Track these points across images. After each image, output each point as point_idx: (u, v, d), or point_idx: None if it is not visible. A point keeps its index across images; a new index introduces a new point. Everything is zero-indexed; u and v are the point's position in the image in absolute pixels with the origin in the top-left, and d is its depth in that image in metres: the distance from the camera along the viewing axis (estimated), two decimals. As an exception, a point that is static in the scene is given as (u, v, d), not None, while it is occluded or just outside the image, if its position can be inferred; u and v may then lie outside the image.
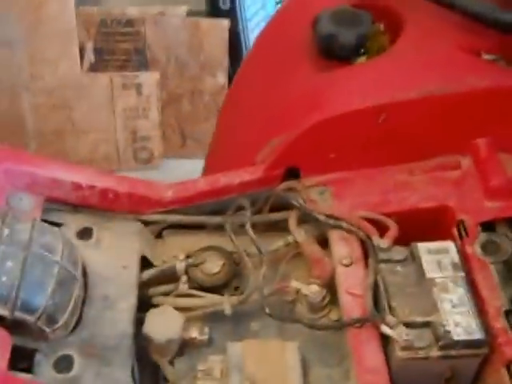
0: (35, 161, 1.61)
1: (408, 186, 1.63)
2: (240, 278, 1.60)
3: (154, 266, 1.56)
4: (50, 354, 1.36)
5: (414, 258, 1.49)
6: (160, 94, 3.13)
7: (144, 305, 1.53)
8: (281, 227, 1.63)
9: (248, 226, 1.55)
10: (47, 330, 1.34)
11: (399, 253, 1.50)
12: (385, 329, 1.38)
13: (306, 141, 1.60)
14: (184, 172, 3.00)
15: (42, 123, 3.16)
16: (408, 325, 1.38)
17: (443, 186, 1.62)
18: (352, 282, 1.48)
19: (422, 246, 1.49)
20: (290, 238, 1.59)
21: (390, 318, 1.38)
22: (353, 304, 1.45)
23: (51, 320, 1.34)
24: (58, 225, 1.52)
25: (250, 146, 1.74)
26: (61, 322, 1.35)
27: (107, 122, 3.17)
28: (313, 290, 1.48)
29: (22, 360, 1.35)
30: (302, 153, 1.62)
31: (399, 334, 1.36)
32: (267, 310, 1.46)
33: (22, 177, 1.54)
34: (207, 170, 2.09)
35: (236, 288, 1.58)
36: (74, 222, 1.54)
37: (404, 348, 1.36)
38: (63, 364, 1.36)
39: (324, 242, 1.59)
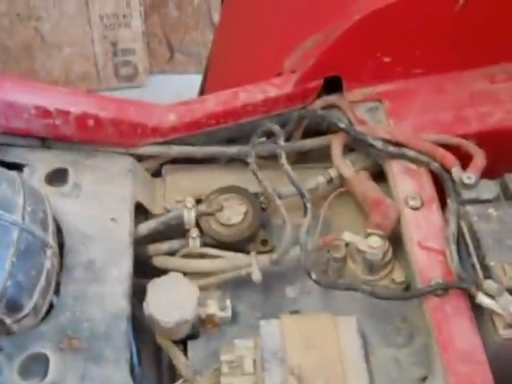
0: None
1: (490, 98, 1.23)
2: (269, 229, 1.20)
3: (154, 216, 1.21)
4: (15, 355, 0.96)
5: (507, 194, 1.08)
6: (142, -3, 2.70)
7: (142, 269, 1.15)
8: (319, 158, 1.23)
9: (283, 159, 1.14)
10: (8, 320, 0.94)
11: (489, 189, 1.11)
12: (482, 298, 0.99)
13: (353, 39, 1.19)
14: (173, 89, 2.63)
15: (4, 37, 2.72)
16: (514, 291, 0.98)
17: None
18: (426, 231, 1.10)
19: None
20: (332, 173, 1.19)
21: (488, 284, 0.99)
22: (429, 262, 1.07)
23: (13, 306, 0.95)
24: (18, 167, 1.17)
25: (273, 51, 1.32)
26: (27, 309, 0.96)
27: (82, 33, 2.73)
28: (372, 244, 1.08)
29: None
30: (346, 56, 1.20)
31: (504, 305, 0.97)
32: (313, 276, 1.06)
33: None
34: (210, 91, 1.66)
35: (264, 242, 1.18)
36: (41, 162, 1.20)
37: (510, 325, 0.97)
38: (33, 367, 0.96)
39: (380, 178, 1.18)
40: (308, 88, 1.22)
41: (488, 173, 1.12)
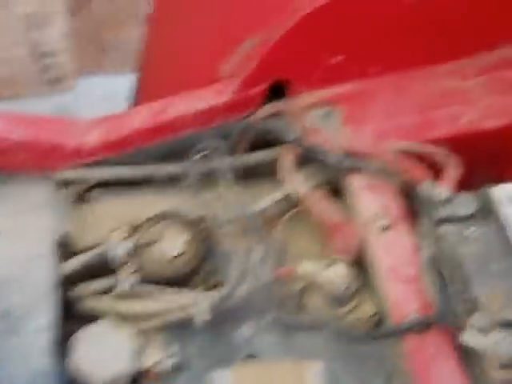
0: None
1: (460, 96, 1.08)
2: (215, 259, 1.04)
3: (81, 251, 1.03)
4: None
5: (488, 209, 0.94)
6: (67, -8, 2.49)
7: (70, 314, 0.98)
8: (269, 172, 1.07)
9: (227, 177, 0.99)
10: None
11: (466, 204, 0.96)
12: (469, 336, 0.84)
13: (301, 36, 1.03)
14: (107, 92, 2.45)
15: None
16: (505, 325, 0.84)
17: None
18: (397, 256, 0.95)
19: (499, 191, 0.94)
20: (284, 191, 1.03)
21: (476, 318, 0.84)
22: (403, 293, 0.93)
23: None
24: None
25: (208, 53, 1.15)
26: None
27: (2, 34, 2.49)
28: (336, 274, 0.93)
29: None
30: (293, 55, 1.04)
31: (496, 342, 0.82)
32: (269, 312, 0.91)
33: None
34: (144, 96, 1.49)
35: (210, 275, 1.02)
36: None
37: (505, 365, 0.83)
38: None
39: (338, 194, 1.03)
40: (251, 95, 1.06)
41: (462, 184, 0.97)
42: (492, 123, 1.06)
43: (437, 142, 1.04)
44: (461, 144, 1.05)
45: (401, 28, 1.06)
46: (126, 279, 0.99)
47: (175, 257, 1.00)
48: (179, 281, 1.00)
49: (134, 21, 2.60)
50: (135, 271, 0.99)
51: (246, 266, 0.96)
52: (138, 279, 0.99)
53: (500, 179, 1.03)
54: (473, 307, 0.87)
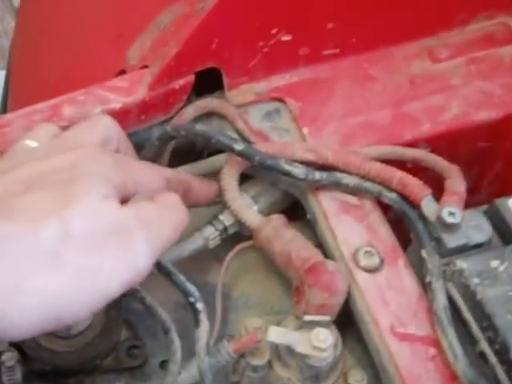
0: None
1: (438, 83, 0.84)
2: (135, 321, 0.74)
3: None
4: None
5: (508, 231, 0.70)
6: None
7: None
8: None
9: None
10: None
11: (480, 226, 0.71)
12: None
13: (236, 10, 0.75)
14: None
15: None
16: None
17: (499, 76, 0.84)
18: (398, 306, 0.68)
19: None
20: (226, 220, 0.75)
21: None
22: (414, 360, 0.67)
23: None
24: None
25: (107, 36, 0.85)
26: None
27: None
28: (318, 342, 0.66)
29: None
30: (226, 36, 0.76)
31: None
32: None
33: None
34: (15, 99, 1.15)
35: (133, 350, 0.73)
36: None
37: None
38: None
39: (299, 217, 0.77)
40: (172, 90, 0.76)
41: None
42: (480, 116, 0.82)
43: (416, 143, 0.80)
44: (443, 144, 0.81)
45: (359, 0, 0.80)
46: (6, 374, 0.68)
47: (76, 335, 0.69)
48: (85, 368, 0.70)
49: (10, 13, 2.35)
50: (20, 359, 0.68)
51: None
52: (25, 372, 0.68)
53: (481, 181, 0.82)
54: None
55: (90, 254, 0.53)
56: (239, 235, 0.76)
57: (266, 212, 0.75)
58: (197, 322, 0.65)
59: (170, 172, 0.71)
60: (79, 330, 0.67)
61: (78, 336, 0.68)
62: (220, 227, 0.75)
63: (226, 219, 0.75)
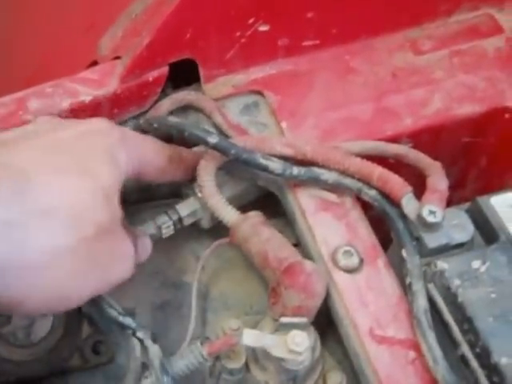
0: None
1: (421, 76, 0.82)
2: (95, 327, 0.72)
3: None
4: None
5: (489, 230, 0.68)
6: None
7: None
8: (176, 194, 0.76)
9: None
10: None
11: (461, 225, 0.69)
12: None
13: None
14: None
15: None
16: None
17: (483, 69, 0.82)
18: (377, 308, 0.66)
19: (500, 202, 0.69)
20: (199, 213, 0.73)
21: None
22: (394, 364, 0.65)
23: None
24: None
25: (77, 24, 0.82)
26: None
27: None
28: (295, 345, 0.64)
29: None
30: (201, 25, 0.73)
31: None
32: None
33: None
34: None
35: (98, 347, 0.70)
36: None
37: None
38: None
39: (274, 215, 0.75)
40: (145, 82, 0.74)
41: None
42: (464, 110, 0.80)
43: (398, 137, 0.78)
44: (425, 139, 0.79)
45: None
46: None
47: (36, 344, 0.66)
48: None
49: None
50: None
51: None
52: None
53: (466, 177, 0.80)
54: (496, 380, 0.60)
55: None
56: (218, 231, 0.73)
57: (242, 211, 0.72)
58: (145, 349, 0.63)
59: (172, 149, 0.69)
60: (41, 336, 0.65)
61: (41, 342, 0.65)
62: (175, 217, 0.72)
63: (181, 209, 0.72)
